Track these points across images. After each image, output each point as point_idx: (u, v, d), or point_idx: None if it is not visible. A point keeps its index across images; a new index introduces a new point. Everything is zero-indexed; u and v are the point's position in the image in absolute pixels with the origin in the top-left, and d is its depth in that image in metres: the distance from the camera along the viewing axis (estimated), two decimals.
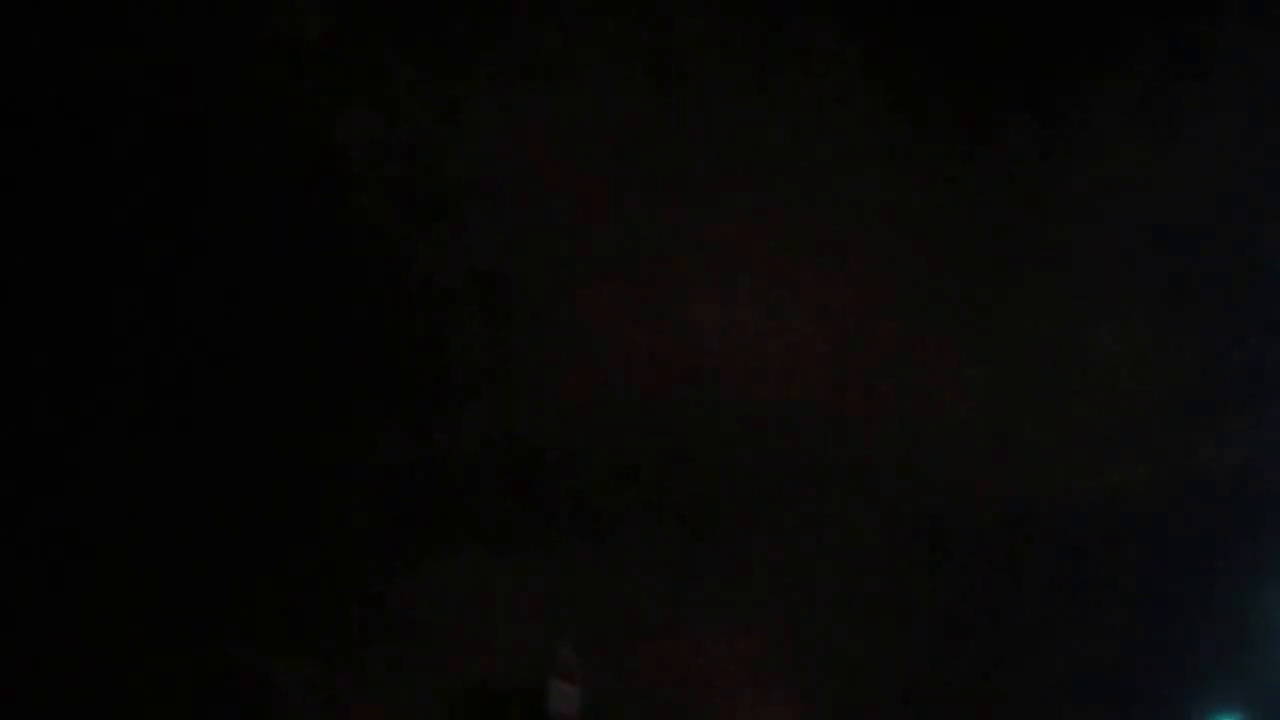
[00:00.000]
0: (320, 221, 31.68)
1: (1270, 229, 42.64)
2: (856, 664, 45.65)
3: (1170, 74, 42.35)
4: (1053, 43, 41.37)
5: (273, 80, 31.50)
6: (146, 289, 29.68)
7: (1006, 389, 43.16)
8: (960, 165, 41.60)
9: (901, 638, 44.17)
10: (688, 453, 41.34)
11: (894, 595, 43.59)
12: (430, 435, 34.44)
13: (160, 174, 29.71)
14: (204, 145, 29.69)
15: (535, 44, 35.43)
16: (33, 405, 28.56)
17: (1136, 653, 45.89)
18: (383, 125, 32.46)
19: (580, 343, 41.09)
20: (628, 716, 41.00)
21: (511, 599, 41.27)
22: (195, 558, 30.99)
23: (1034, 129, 41.24)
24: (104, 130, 28.88)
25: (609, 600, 43.35)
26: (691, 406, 40.85)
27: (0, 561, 28.03)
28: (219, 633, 32.93)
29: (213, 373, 30.56)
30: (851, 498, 41.75)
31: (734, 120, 40.62)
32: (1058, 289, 43.80)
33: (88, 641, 29.44)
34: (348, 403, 32.95)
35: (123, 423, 29.40)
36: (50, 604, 28.73)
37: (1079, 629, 44.83)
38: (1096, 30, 41.47)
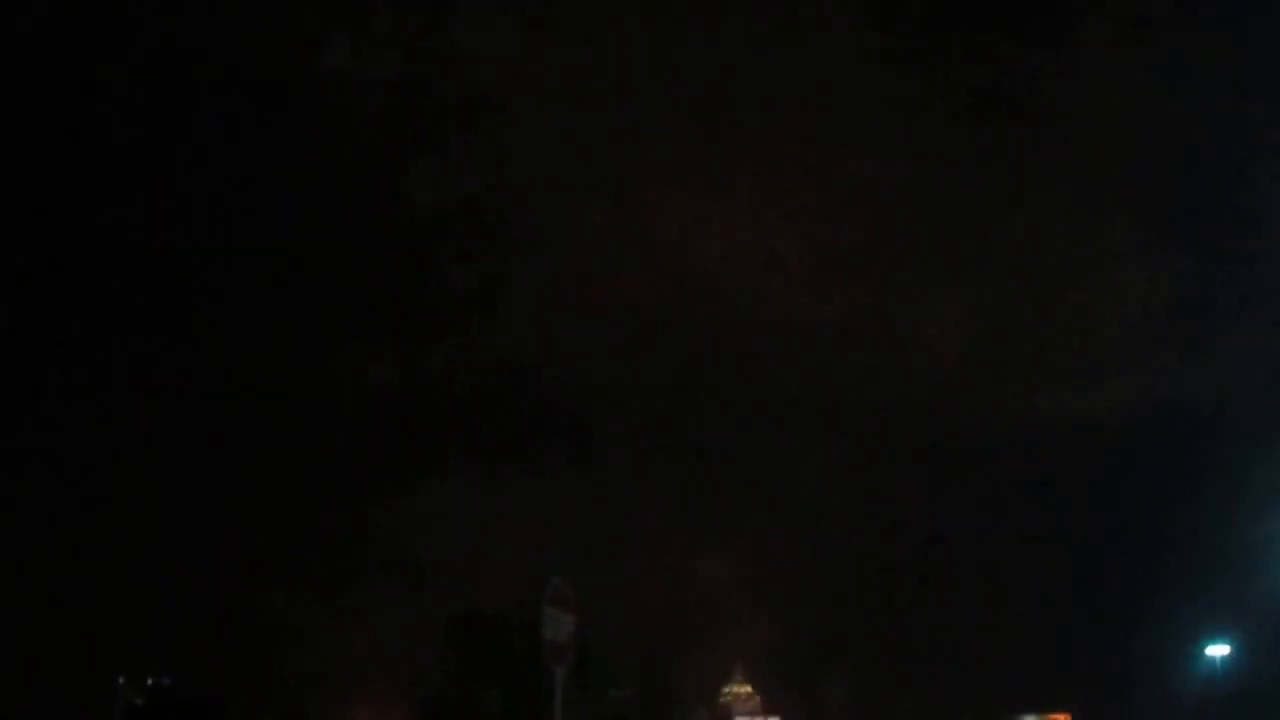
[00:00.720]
0: (309, 150, 31.49)
1: (1259, 154, 42.66)
2: (843, 584, 45.92)
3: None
4: None
5: (260, 11, 31.28)
6: (135, 223, 29.56)
7: (995, 312, 43.31)
8: (949, 89, 41.51)
9: (888, 558, 44.42)
10: (680, 378, 41.47)
11: (882, 516, 43.83)
12: (421, 362, 34.45)
13: (149, 105, 29.50)
14: (193, 76, 29.44)
15: None
16: (33, 349, 28.56)
17: (1129, 579, 46.28)
18: (369, 53, 32.18)
19: (572, 268, 41.08)
20: (620, 637, 41.30)
21: (505, 526, 41.47)
22: (188, 495, 31.03)
23: (1022, 52, 41.07)
24: (95, 61, 28.67)
25: (601, 525, 43.58)
26: (684, 332, 40.98)
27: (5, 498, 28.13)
28: (216, 569, 33.08)
29: (201, 301, 30.46)
30: (840, 421, 41.98)
31: (724, 43, 40.47)
32: (1046, 212, 43.86)
33: (86, 581, 29.55)
34: (338, 331, 32.94)
35: (117, 357, 29.38)
36: (51, 544, 28.81)
37: (1069, 554, 45.10)
38: None
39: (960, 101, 40.21)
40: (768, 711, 71.22)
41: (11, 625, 28.63)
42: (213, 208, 30.03)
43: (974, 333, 42.20)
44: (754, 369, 41.48)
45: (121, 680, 35.27)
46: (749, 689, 73.73)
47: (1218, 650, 47.02)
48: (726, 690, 73.30)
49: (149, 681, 35.75)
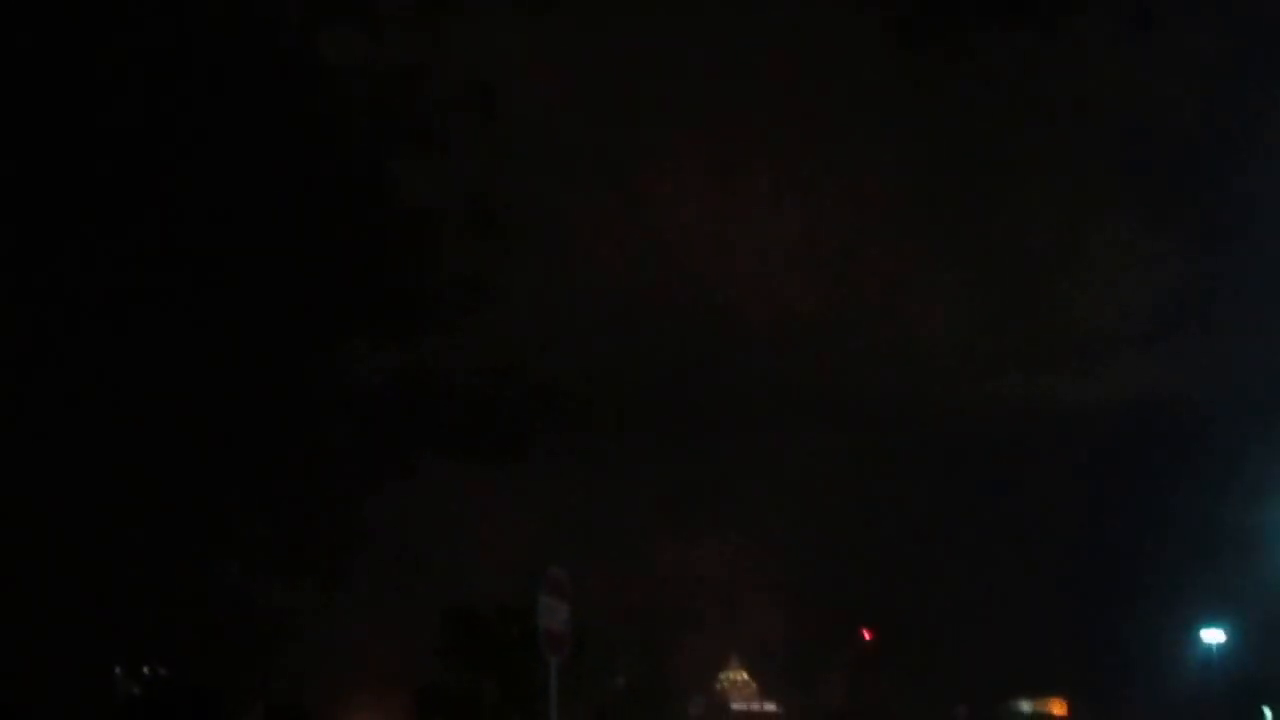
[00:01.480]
0: (304, 140, 31.45)
1: (1257, 143, 42.67)
2: (839, 571, 45.95)
3: None
4: None
5: (258, 2, 31.26)
6: (129, 215, 29.56)
7: (989, 302, 43.27)
8: (948, 73, 41.56)
9: (883, 545, 44.46)
10: (675, 367, 41.45)
11: (877, 504, 43.86)
12: (418, 353, 34.47)
13: (145, 95, 29.47)
14: (189, 65, 29.41)
15: None
16: (29, 345, 28.56)
17: (1124, 565, 46.32)
18: (367, 45, 32.18)
19: (568, 259, 41.05)
20: (616, 626, 41.33)
21: (501, 515, 41.48)
22: (186, 488, 31.04)
23: (1022, 36, 41.16)
24: (90, 49, 28.63)
25: (598, 515, 43.60)
26: (681, 322, 40.95)
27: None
28: (214, 560, 33.12)
29: (200, 294, 30.44)
30: (834, 411, 41.97)
31: (719, 34, 40.44)
32: (1044, 195, 43.83)
33: (85, 572, 29.57)
34: (334, 323, 32.93)
35: (114, 352, 29.37)
36: (50, 536, 28.81)
37: (1066, 539, 45.13)
38: None
39: (958, 89, 40.21)
40: (764, 698, 71.31)
41: (10, 616, 28.64)
42: (208, 199, 30.02)
43: (968, 322, 42.19)
44: (749, 359, 41.48)
45: (119, 670, 35.28)
46: (745, 676, 73.85)
47: (1213, 636, 47.13)
48: (722, 677, 73.39)
49: (146, 672, 35.75)
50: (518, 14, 35.20)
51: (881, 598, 47.46)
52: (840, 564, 44.49)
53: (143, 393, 29.48)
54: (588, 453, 38.92)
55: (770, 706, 69.94)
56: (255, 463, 31.95)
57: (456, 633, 38.71)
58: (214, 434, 30.56)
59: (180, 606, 32.37)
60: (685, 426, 40.89)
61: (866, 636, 53.16)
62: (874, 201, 42.34)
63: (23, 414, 28.30)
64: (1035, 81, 41.65)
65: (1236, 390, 43.78)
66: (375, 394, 34.17)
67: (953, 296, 42.20)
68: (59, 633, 29.86)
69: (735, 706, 71.70)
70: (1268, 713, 45.51)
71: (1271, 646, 45.66)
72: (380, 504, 34.86)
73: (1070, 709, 54.36)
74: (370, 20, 32.36)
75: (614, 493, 41.41)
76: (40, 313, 29.00)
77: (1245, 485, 43.72)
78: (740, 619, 50.66)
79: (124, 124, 28.55)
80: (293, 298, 31.65)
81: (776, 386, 41.63)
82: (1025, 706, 55.37)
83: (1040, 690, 54.07)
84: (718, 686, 72.52)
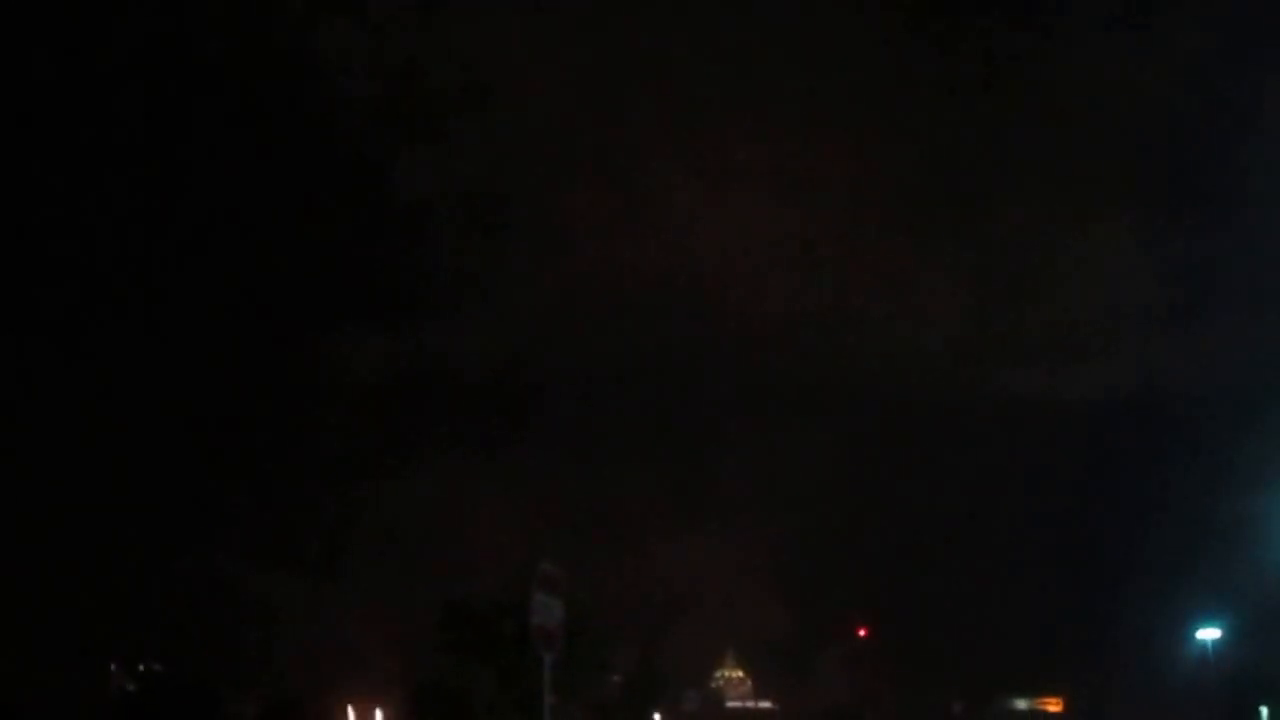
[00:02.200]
0: (302, 135, 31.43)
1: (1250, 138, 42.70)
2: (835, 569, 45.94)
3: None
4: None
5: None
6: (126, 208, 29.52)
7: (983, 297, 43.29)
8: (945, 73, 41.54)
9: (879, 541, 44.44)
10: (672, 363, 41.44)
11: (872, 500, 43.84)
12: (415, 346, 34.46)
13: (143, 90, 29.43)
14: (187, 60, 29.38)
15: None
16: (21, 336, 28.54)
17: (1121, 560, 46.27)
18: (366, 41, 32.15)
19: (566, 254, 41.03)
20: (612, 621, 41.32)
21: (498, 509, 41.49)
22: (180, 480, 31.02)
23: (1017, 37, 41.16)
24: (88, 46, 28.59)
25: (593, 508, 43.58)
26: (678, 319, 40.95)
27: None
28: (209, 553, 33.09)
29: (195, 285, 30.41)
30: (831, 406, 41.97)
31: (719, 28, 40.46)
32: (1041, 194, 43.89)
33: (78, 567, 29.52)
34: (331, 316, 32.90)
35: (107, 343, 29.36)
36: (43, 532, 28.78)
37: (1058, 537, 45.08)
38: None
39: (955, 85, 40.24)
40: (759, 696, 71.43)
41: (4, 613, 28.62)
42: (205, 193, 29.99)
43: (962, 317, 42.28)
44: (746, 354, 41.55)
45: (114, 667, 35.27)
46: (740, 673, 73.94)
47: (1208, 634, 47.12)
48: (719, 674, 73.51)
49: (141, 669, 35.74)
50: (516, 12, 35.25)
51: (877, 595, 47.48)
52: (836, 561, 44.52)
53: (136, 384, 29.45)
54: (584, 448, 38.95)
55: (765, 704, 70.07)
56: (249, 454, 31.92)
57: (452, 628, 38.76)
58: (207, 425, 30.52)
59: (175, 601, 32.35)
60: (682, 422, 40.92)
61: (862, 633, 53.20)
62: (871, 200, 42.45)
63: (13, 407, 28.28)
64: (1031, 81, 41.75)
65: (1229, 385, 43.88)
66: (371, 386, 34.14)
67: (948, 293, 42.28)
68: (53, 629, 29.85)
69: (730, 704, 71.87)
70: (1264, 711, 45.48)
71: (1269, 644, 45.63)
72: (375, 498, 34.85)
73: (1066, 706, 54.42)
74: (367, 17, 32.32)
75: (610, 487, 41.46)
76: (33, 304, 28.97)
77: (1239, 479, 43.79)
78: (736, 615, 50.74)
79: (121, 119, 28.51)
80: (290, 290, 31.64)
81: (774, 383, 41.66)
82: (1021, 704, 55.44)
83: (1036, 688, 54.09)
84: (713, 684, 72.68)
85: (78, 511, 29.25)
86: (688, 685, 59.38)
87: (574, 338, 39.18)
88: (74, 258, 29.11)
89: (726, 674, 73.56)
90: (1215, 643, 47.42)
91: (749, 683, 73.40)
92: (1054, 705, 56.81)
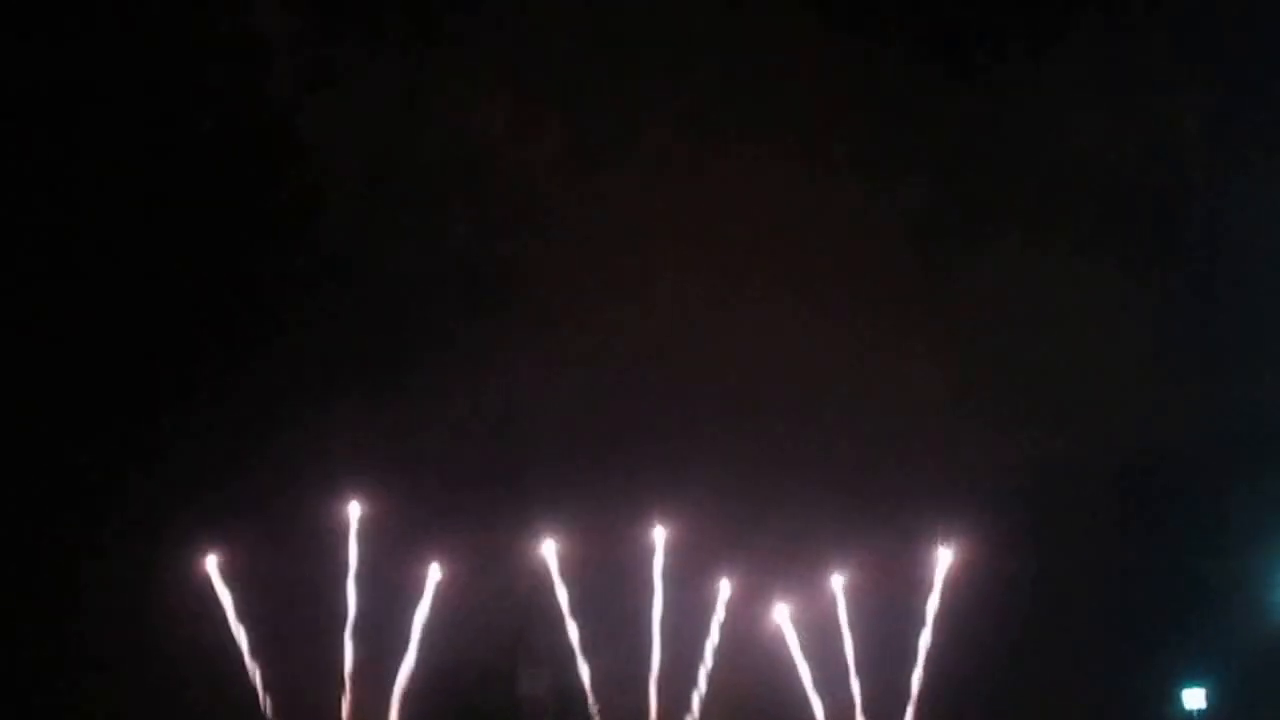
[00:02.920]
0: (288, 212, 32.07)
1: (1231, 192, 43.14)
2: (823, 635, 45.96)
3: (1120, 41, 42.94)
4: (1000, 14, 42.10)
5: (241, 76, 31.93)
6: (128, 297, 30.23)
7: (968, 357, 43.43)
8: (919, 134, 42.20)
9: (867, 601, 44.47)
10: (654, 432, 41.62)
11: (861, 562, 43.88)
12: (416, 423, 35.03)
13: (134, 172, 30.15)
14: (184, 143, 30.13)
15: (498, 40, 35.77)
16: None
17: (1108, 624, 46.25)
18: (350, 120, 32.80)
19: (553, 326, 41.33)
20: (606, 682, 41.33)
21: (490, 575, 41.68)
22: None
23: (990, 96, 41.92)
24: (75, 130, 29.28)
25: (586, 575, 43.76)
26: (657, 387, 41.07)
27: None
28: None
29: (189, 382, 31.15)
30: (815, 476, 42.09)
31: (694, 102, 41.03)
32: (1020, 252, 44.15)
33: None
34: (319, 394, 33.43)
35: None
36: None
37: (1049, 599, 45.11)
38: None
39: (944, 132, 40.72)
40: None
41: None
42: (200, 262, 30.69)
43: (948, 377, 42.55)
44: (740, 417, 41.72)
45: None
46: None
47: (1195, 699, 46.91)
48: None
49: None
50: (502, 87, 35.77)
51: (870, 659, 47.42)
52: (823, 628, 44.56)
53: None
54: (568, 512, 39.03)
55: None
56: None
57: (444, 698, 38.63)
58: None
59: None
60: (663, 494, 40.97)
61: None
62: (851, 260, 42.71)
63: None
64: (1019, 138, 42.38)
65: (1216, 445, 44.03)
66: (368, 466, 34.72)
67: (934, 355, 42.57)
68: None
69: None
70: None
71: (1256, 709, 45.48)
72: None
73: None
74: (355, 93, 32.90)
75: (603, 554, 41.34)
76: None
77: (1226, 540, 43.89)
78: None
79: (104, 205, 29.23)
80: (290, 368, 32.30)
81: (755, 451, 41.80)
82: None
83: None
84: None
85: None
86: None
87: (569, 403, 39.47)
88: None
89: None
90: (1201, 712, 47.07)
91: None
92: None
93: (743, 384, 41.33)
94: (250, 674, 35.28)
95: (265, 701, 35.60)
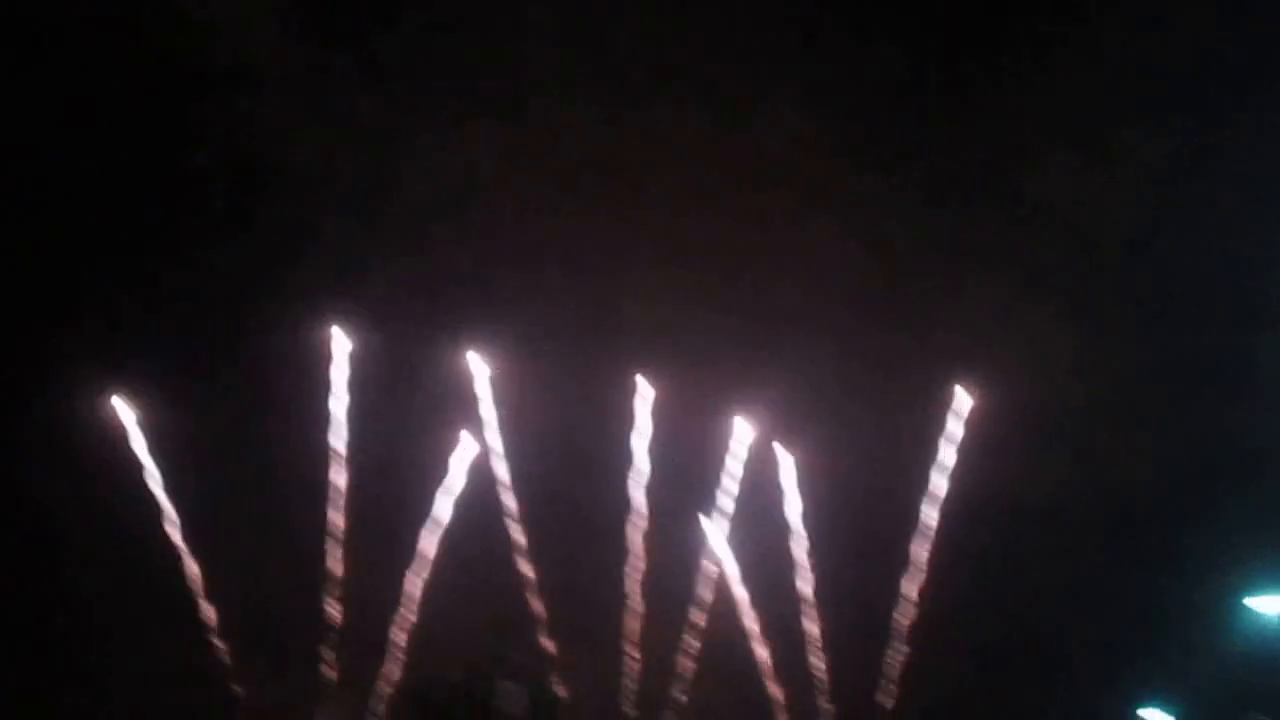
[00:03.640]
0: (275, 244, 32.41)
1: (1198, 226, 43.77)
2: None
3: (1100, 86, 43.47)
4: (979, 53, 42.66)
5: (229, 108, 32.26)
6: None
7: (937, 395, 43.86)
8: (899, 180, 42.72)
9: (831, 639, 44.72)
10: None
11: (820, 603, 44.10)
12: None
13: (129, 196, 30.56)
14: (175, 175, 30.50)
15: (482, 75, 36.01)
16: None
17: (1070, 646, 46.83)
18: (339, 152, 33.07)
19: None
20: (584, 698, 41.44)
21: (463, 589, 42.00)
22: None
23: (970, 140, 42.48)
24: (66, 161, 29.65)
25: (561, 593, 44.03)
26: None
27: None
28: None
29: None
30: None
31: (675, 132, 41.34)
32: (1000, 292, 44.67)
33: None
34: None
35: None
36: None
37: (1014, 621, 45.67)
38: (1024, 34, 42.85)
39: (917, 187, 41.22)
40: None
41: None
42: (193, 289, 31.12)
43: (908, 416, 43.06)
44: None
45: None
46: None
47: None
48: None
49: None
50: (488, 124, 35.98)
51: (842, 695, 47.55)
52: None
53: None
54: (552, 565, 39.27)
55: None
56: None
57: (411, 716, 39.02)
58: None
59: None
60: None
61: None
62: (835, 295, 43.09)
63: None
64: (980, 178, 42.88)
65: (1180, 472, 44.51)
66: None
67: (890, 392, 43.02)
68: None
69: None
70: None
71: None
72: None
73: None
74: (343, 129, 33.18)
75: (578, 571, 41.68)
76: None
77: (1187, 564, 44.38)
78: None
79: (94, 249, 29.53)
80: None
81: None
82: None
83: None
84: None
85: None
86: None
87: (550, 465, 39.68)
88: None
89: None
90: None
91: None
92: None
93: None
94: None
95: None
